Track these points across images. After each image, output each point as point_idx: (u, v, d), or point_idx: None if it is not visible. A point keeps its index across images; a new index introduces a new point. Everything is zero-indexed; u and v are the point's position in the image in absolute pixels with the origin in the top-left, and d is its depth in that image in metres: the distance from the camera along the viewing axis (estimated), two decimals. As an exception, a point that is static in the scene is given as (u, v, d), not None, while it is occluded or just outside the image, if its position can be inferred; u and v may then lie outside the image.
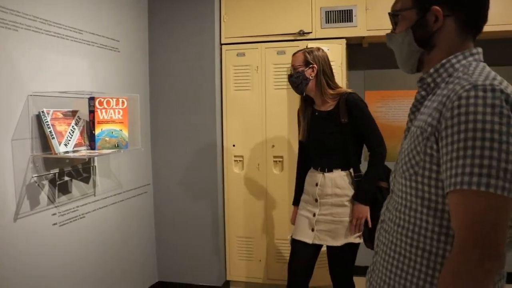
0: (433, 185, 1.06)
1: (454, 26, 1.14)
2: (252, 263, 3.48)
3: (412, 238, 1.12)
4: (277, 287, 3.43)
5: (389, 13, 1.25)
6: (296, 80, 2.54)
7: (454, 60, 1.15)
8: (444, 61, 1.16)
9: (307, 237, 2.54)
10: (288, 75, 2.63)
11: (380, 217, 1.31)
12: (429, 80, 1.18)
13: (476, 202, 0.94)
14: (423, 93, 1.20)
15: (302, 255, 2.60)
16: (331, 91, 2.52)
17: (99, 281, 2.82)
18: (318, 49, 2.60)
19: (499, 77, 1.05)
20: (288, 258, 3.32)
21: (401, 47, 1.23)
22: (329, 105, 2.54)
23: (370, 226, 2.43)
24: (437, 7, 1.12)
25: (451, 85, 1.07)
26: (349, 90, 2.54)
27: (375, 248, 1.29)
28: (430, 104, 1.12)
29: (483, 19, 1.16)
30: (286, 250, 3.37)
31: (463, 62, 1.14)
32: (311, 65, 2.52)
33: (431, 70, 1.18)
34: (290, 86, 3.19)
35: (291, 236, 2.66)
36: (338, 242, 2.47)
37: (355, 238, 2.48)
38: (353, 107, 2.46)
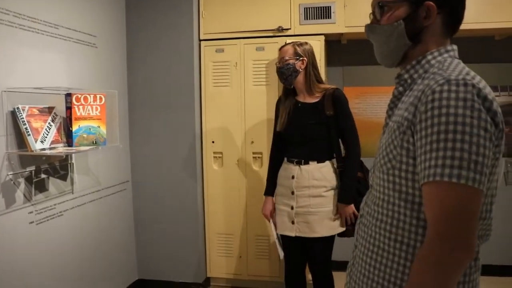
0: (409, 179, 1.09)
1: (440, 23, 1.17)
2: (233, 260, 3.48)
3: (390, 231, 1.14)
4: (257, 283, 3.45)
5: (378, 3, 1.23)
6: (286, 72, 2.57)
7: (429, 57, 1.17)
8: (420, 57, 1.18)
9: (290, 231, 2.59)
10: (277, 67, 2.64)
11: (359, 212, 1.32)
12: (406, 76, 1.20)
13: (447, 193, 0.97)
14: (400, 89, 1.22)
15: (292, 246, 2.66)
16: (319, 84, 2.58)
17: (78, 280, 2.78)
18: (306, 43, 2.67)
19: (472, 73, 1.08)
20: (268, 254, 3.36)
21: (388, 39, 1.21)
22: (314, 98, 2.58)
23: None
24: (432, 3, 1.14)
25: (426, 81, 1.09)
26: (334, 86, 2.62)
27: (355, 242, 1.31)
28: (407, 99, 1.14)
29: (462, 19, 1.20)
30: (266, 246, 3.38)
31: (439, 58, 1.16)
32: (301, 58, 2.57)
33: (408, 67, 1.20)
34: (268, 82, 3.25)
35: (276, 232, 2.69)
36: (317, 233, 2.52)
37: (336, 229, 2.54)
38: (337, 102, 2.53)
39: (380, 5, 1.22)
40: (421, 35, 1.18)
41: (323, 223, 2.52)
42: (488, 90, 1.03)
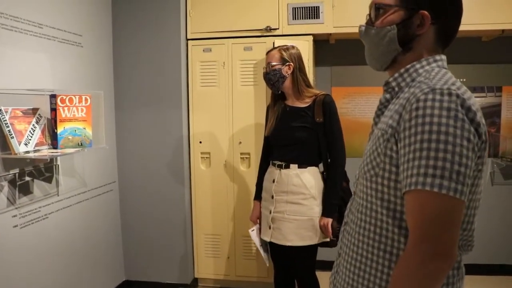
0: (392, 187, 1.08)
1: (433, 34, 1.16)
2: (220, 260, 3.46)
3: (374, 239, 1.13)
4: (245, 284, 3.44)
5: (375, 4, 1.21)
6: (272, 78, 2.54)
7: (418, 66, 1.16)
8: (408, 66, 1.17)
9: (266, 235, 2.57)
10: (264, 72, 2.61)
11: (343, 219, 1.32)
12: (393, 84, 1.19)
13: (428, 203, 0.96)
14: (387, 96, 1.21)
15: (274, 250, 2.65)
16: (308, 89, 2.56)
17: (65, 282, 2.75)
18: (293, 47, 2.62)
19: (458, 83, 1.07)
20: (256, 254, 3.35)
21: (379, 42, 1.20)
22: (304, 102, 2.55)
23: (330, 236, 2.48)
24: (426, 13, 1.12)
25: (412, 89, 1.09)
26: (324, 92, 2.59)
27: (339, 250, 1.30)
28: (393, 107, 1.14)
29: (455, 33, 1.19)
30: (254, 247, 3.37)
31: (427, 67, 1.15)
32: (287, 63, 2.53)
33: (396, 74, 1.19)
34: (256, 82, 3.22)
35: (260, 238, 2.68)
36: (290, 242, 2.47)
37: (312, 239, 2.49)
38: (328, 109, 2.49)
39: (377, 7, 1.20)
40: (413, 43, 1.16)
41: (298, 232, 2.46)
42: (472, 101, 1.03)
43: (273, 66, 2.55)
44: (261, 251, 2.70)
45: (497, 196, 3.60)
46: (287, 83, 2.55)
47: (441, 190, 0.95)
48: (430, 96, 1.00)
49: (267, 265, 2.76)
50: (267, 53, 2.65)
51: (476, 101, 1.06)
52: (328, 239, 2.51)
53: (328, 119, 2.48)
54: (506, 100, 3.60)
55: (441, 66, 1.17)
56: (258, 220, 2.71)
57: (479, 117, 1.01)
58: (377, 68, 1.26)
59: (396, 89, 1.19)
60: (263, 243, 2.69)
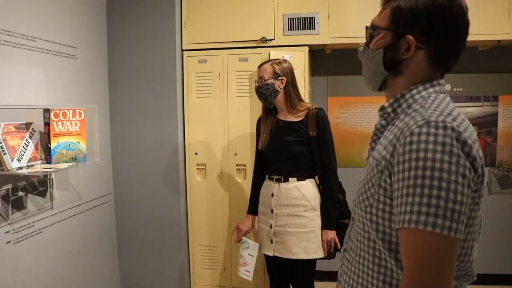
0: (387, 218, 1.07)
1: (424, 59, 1.12)
2: (217, 272, 3.44)
3: (373, 270, 1.12)
4: (241, 296, 3.42)
5: (366, 27, 1.22)
6: (265, 92, 2.53)
7: (414, 91, 1.14)
8: (405, 91, 1.15)
9: (268, 250, 2.55)
10: (256, 86, 2.60)
11: (343, 246, 1.30)
12: (389, 110, 1.18)
13: (422, 242, 0.94)
14: (383, 122, 1.19)
15: (273, 264, 2.65)
16: (301, 103, 2.55)
17: (58, 297, 2.73)
18: (285, 60, 2.61)
19: (455, 112, 1.05)
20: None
21: (369, 64, 1.21)
22: (297, 117, 2.54)
23: (339, 247, 2.46)
24: (411, 37, 1.10)
25: (407, 118, 1.07)
26: (317, 106, 2.58)
27: (338, 277, 1.29)
28: (388, 134, 1.12)
29: (454, 58, 1.14)
30: (250, 258, 3.35)
31: (423, 93, 1.13)
32: (280, 77, 2.52)
33: (391, 100, 1.17)
34: (251, 94, 3.21)
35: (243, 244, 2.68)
36: (294, 255, 2.47)
37: (315, 253, 2.48)
38: (321, 123, 2.49)
39: (371, 28, 1.20)
40: (401, 66, 1.14)
41: (301, 245, 2.46)
42: (468, 133, 1.00)
43: (265, 80, 2.53)
44: (253, 266, 2.67)
45: (494, 205, 3.59)
46: (280, 97, 2.54)
47: (435, 229, 0.92)
48: (424, 130, 0.97)
49: (250, 280, 2.73)
50: (259, 67, 2.63)
51: (473, 131, 1.04)
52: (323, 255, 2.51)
53: (322, 133, 2.48)
54: (502, 109, 3.59)
55: (438, 91, 1.13)
56: (244, 233, 2.70)
57: (476, 150, 0.99)
58: (371, 88, 1.26)
59: (392, 115, 1.17)
60: (252, 259, 2.67)
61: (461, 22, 1.09)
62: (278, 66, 2.54)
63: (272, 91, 2.51)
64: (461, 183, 0.94)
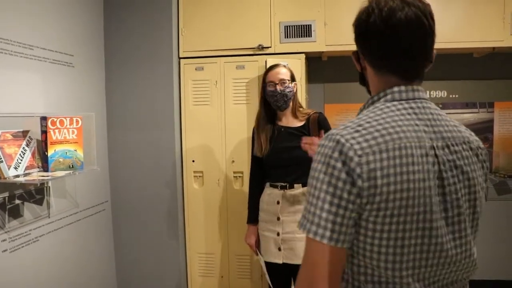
0: None
1: (370, 67, 1.15)
2: (214, 280, 3.43)
3: None
4: (239, 303, 3.41)
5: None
6: (289, 94, 2.55)
7: (370, 101, 1.16)
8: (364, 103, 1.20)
9: (277, 258, 2.53)
10: (279, 89, 2.55)
11: None
12: None
13: (306, 243, 1.05)
14: None
15: (278, 273, 2.61)
16: (300, 109, 2.57)
17: (54, 306, 2.71)
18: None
19: (375, 122, 1.05)
20: (250, 273, 3.32)
21: None
22: (297, 122, 2.55)
23: None
24: (353, 53, 1.18)
25: None
26: (316, 111, 2.61)
27: None
28: None
29: (401, 63, 1.10)
30: (248, 265, 3.35)
31: (377, 104, 1.12)
32: (294, 81, 2.56)
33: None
34: (249, 101, 3.22)
35: (261, 256, 2.64)
36: None
37: None
38: (323, 126, 2.50)
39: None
40: (365, 79, 1.20)
41: None
42: (358, 146, 1.00)
43: (285, 82, 2.55)
44: (267, 277, 2.66)
45: (490, 211, 3.60)
46: (292, 102, 2.56)
47: (308, 234, 1.02)
48: (321, 142, 1.06)
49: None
50: (273, 69, 2.62)
51: (382, 142, 1.01)
52: None
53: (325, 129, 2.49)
54: (498, 115, 3.61)
55: (389, 99, 1.10)
56: (257, 245, 2.69)
57: (356, 163, 0.99)
58: None
59: None
60: (266, 266, 2.65)
61: (382, 27, 1.07)
62: (290, 70, 2.58)
63: (292, 94, 2.56)
64: (331, 193, 1.00)
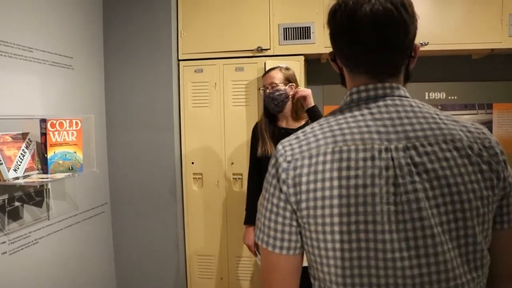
0: None
1: (343, 67, 1.08)
2: (214, 281, 3.43)
3: None
4: (238, 305, 3.41)
5: None
6: (278, 98, 2.52)
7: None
8: None
9: None
10: (269, 92, 2.57)
11: None
12: None
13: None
14: None
15: None
16: (303, 110, 2.55)
17: (54, 308, 2.71)
18: (289, 68, 2.61)
19: (309, 130, 1.03)
20: (249, 275, 3.33)
21: None
22: (297, 123, 2.54)
23: None
24: (328, 54, 1.11)
25: None
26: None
27: None
28: None
29: (363, 59, 1.01)
30: (247, 267, 3.35)
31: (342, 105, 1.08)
32: (290, 84, 2.53)
33: None
34: (248, 103, 3.22)
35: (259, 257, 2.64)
36: (304, 262, 2.45)
37: None
38: None
39: None
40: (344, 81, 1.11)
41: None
42: (290, 153, 0.99)
43: (277, 85, 2.53)
44: None
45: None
46: (289, 104, 2.54)
47: (257, 240, 1.05)
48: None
49: None
50: (267, 73, 2.62)
51: (311, 150, 0.97)
52: None
53: None
54: (497, 117, 3.61)
55: (347, 102, 1.05)
56: (254, 245, 2.69)
57: (290, 168, 0.97)
58: None
59: None
60: None
61: (346, 22, 0.99)
62: (286, 72, 2.55)
63: (284, 97, 2.52)
64: (270, 201, 1.00)
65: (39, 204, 2.61)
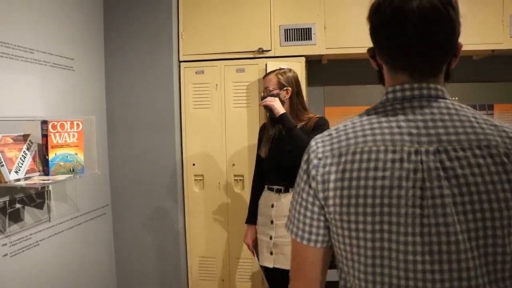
0: None
1: (384, 64, 1.04)
2: (215, 283, 3.42)
3: None
4: (240, 307, 3.40)
5: None
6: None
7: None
8: None
9: (268, 262, 2.52)
10: (262, 97, 2.58)
11: None
12: None
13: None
14: None
15: (273, 276, 2.59)
16: (305, 112, 2.53)
17: (55, 311, 2.70)
18: (290, 70, 2.60)
19: (342, 127, 1.02)
20: (251, 277, 3.32)
21: None
22: (299, 124, 2.53)
23: None
24: (368, 50, 1.06)
25: None
26: (319, 115, 2.56)
27: None
28: None
29: (406, 57, 0.97)
30: (249, 269, 3.34)
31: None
32: (285, 88, 2.51)
33: None
34: (249, 104, 3.22)
35: (257, 259, 2.64)
36: None
37: None
38: (318, 126, 2.45)
39: None
40: (383, 79, 1.07)
41: None
42: (321, 150, 1.00)
43: (270, 91, 2.52)
44: (262, 274, 2.66)
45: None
46: (285, 107, 2.51)
47: (287, 231, 1.08)
48: None
49: None
50: (264, 77, 2.62)
51: (341, 149, 0.97)
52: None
53: (316, 128, 2.44)
54: (498, 117, 3.61)
55: (383, 101, 1.03)
56: (254, 244, 2.68)
57: (320, 165, 0.98)
58: None
59: None
60: (262, 269, 2.64)
61: (391, 17, 0.95)
62: (283, 76, 2.53)
63: (282, 100, 2.51)
64: (301, 195, 1.03)
65: (40, 206, 2.61)
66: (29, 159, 2.37)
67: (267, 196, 2.58)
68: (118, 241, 3.42)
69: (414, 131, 0.94)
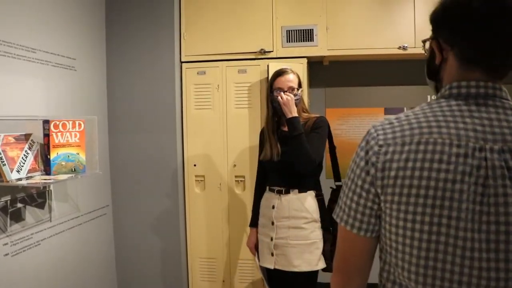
0: None
1: (454, 60, 1.00)
2: (216, 284, 3.42)
3: None
4: (240, 308, 3.40)
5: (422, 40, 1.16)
6: (297, 102, 2.46)
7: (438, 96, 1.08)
8: None
9: (269, 263, 2.50)
10: (284, 96, 2.46)
11: None
12: None
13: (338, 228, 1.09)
14: None
15: (274, 277, 2.58)
16: (304, 113, 2.53)
17: (55, 311, 2.70)
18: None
19: (404, 117, 1.01)
20: (252, 278, 3.31)
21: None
22: None
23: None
24: (434, 41, 1.03)
25: None
26: (318, 115, 2.55)
27: None
28: None
29: (490, 54, 0.96)
30: (249, 270, 3.34)
31: (432, 101, 1.04)
32: (301, 88, 2.52)
33: None
34: (250, 105, 3.21)
35: (258, 261, 2.63)
36: (296, 268, 2.41)
37: (317, 265, 2.43)
38: (316, 124, 2.44)
39: (423, 42, 1.16)
40: (440, 73, 1.06)
41: (302, 256, 2.40)
42: (382, 137, 0.99)
43: (293, 89, 2.48)
44: (263, 277, 2.65)
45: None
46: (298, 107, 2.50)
47: (336, 218, 1.07)
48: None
49: None
50: (281, 75, 2.52)
51: (405, 138, 0.97)
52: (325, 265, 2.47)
53: (314, 129, 2.42)
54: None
55: (446, 96, 1.01)
56: (256, 248, 2.67)
57: (375, 153, 0.99)
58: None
59: None
60: (263, 270, 2.63)
61: (487, 13, 0.92)
62: (298, 76, 2.54)
63: (299, 101, 2.49)
64: (355, 182, 1.02)
65: (41, 206, 2.60)
66: (30, 158, 2.36)
67: (268, 197, 2.57)
68: (118, 242, 3.41)
69: (479, 128, 0.93)
